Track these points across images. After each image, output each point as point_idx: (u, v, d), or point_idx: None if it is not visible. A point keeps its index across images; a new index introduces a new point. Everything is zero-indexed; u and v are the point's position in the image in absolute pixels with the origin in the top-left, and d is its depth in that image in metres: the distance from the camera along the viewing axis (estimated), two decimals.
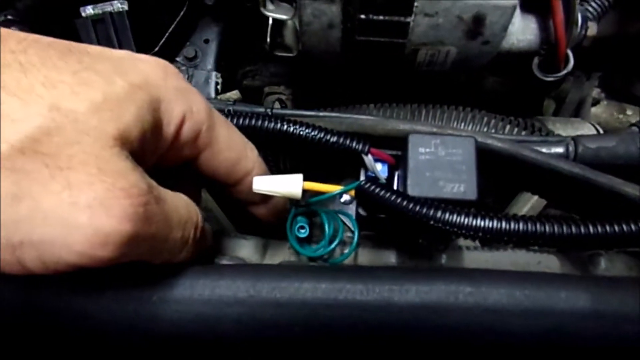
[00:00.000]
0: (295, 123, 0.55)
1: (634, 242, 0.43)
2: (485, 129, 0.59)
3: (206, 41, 1.19)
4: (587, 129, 0.87)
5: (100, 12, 0.54)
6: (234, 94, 1.03)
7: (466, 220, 0.45)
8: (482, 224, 0.45)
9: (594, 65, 1.10)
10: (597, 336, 0.38)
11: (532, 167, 0.52)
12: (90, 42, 0.54)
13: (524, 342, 0.39)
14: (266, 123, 0.55)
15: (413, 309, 0.40)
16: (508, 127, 0.59)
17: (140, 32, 1.03)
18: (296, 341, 0.40)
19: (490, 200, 0.77)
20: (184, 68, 1.15)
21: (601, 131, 0.85)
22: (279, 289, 0.41)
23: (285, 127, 0.55)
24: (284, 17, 0.56)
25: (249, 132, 0.56)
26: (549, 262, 0.58)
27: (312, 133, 0.54)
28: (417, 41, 0.54)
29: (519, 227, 0.44)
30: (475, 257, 0.60)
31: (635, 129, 0.56)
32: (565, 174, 0.51)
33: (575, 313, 0.38)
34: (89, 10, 0.54)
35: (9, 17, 0.91)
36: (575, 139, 0.53)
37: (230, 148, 0.48)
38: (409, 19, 0.51)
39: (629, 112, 1.14)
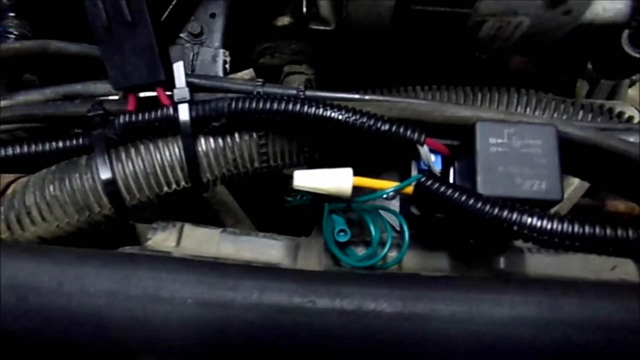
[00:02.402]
0: (340, 109, 0.47)
1: None
2: (555, 115, 0.51)
3: (212, 15, 1.08)
4: (632, 114, 0.80)
5: None
6: (247, 74, 0.94)
7: (559, 226, 0.38)
8: (579, 230, 0.37)
9: None
10: None
11: (619, 159, 0.45)
12: (96, 12, 0.45)
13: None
14: (306, 108, 0.47)
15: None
16: (581, 113, 0.51)
17: None
18: None
19: None
20: (189, 45, 1.06)
21: None
22: None
23: (329, 113, 0.47)
24: None
25: (284, 117, 0.48)
26: (626, 268, 0.51)
27: (361, 120, 0.46)
28: (485, 11, 0.46)
29: (627, 235, 0.36)
30: (538, 261, 0.53)
31: None
32: None
33: None
34: None
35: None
36: None
37: None
38: None
39: None
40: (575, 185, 0.86)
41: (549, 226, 0.38)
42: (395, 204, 0.58)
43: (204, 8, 1.08)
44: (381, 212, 0.54)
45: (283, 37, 0.75)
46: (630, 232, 0.36)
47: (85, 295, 0.34)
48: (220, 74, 1.06)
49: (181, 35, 1.07)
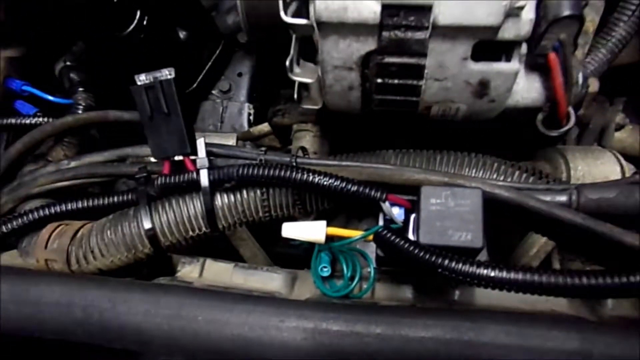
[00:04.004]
0: (319, 174, 0.61)
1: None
2: (494, 176, 0.63)
3: (239, 74, 1.28)
4: (608, 159, 0.89)
5: (152, 80, 0.62)
6: (265, 126, 1.11)
7: (473, 269, 0.50)
8: (487, 273, 0.50)
9: (618, 91, 1.12)
10: None
11: (537, 215, 0.57)
12: (143, 106, 0.63)
13: None
14: (293, 174, 0.62)
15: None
16: (517, 173, 0.63)
17: (182, 70, 1.13)
18: None
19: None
20: (219, 100, 1.25)
21: (622, 160, 0.87)
22: None
23: (310, 177, 0.61)
24: (309, 80, 0.62)
25: (277, 181, 0.63)
26: (557, 300, 0.62)
27: (335, 183, 0.61)
28: (430, 100, 0.60)
29: (519, 278, 0.48)
30: (486, 293, 0.65)
31: (637, 177, 0.59)
32: (567, 222, 0.55)
33: (564, 352, 0.43)
34: (142, 78, 0.62)
35: (68, 62, 1.03)
36: (579, 188, 0.57)
37: None
38: (420, 83, 0.57)
39: None
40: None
41: (464, 269, 0.51)
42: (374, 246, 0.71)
43: (232, 68, 1.28)
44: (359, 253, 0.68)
45: (291, 102, 0.91)
46: (521, 274, 0.48)
47: (130, 313, 0.50)
48: (245, 125, 1.24)
49: (213, 92, 1.27)
